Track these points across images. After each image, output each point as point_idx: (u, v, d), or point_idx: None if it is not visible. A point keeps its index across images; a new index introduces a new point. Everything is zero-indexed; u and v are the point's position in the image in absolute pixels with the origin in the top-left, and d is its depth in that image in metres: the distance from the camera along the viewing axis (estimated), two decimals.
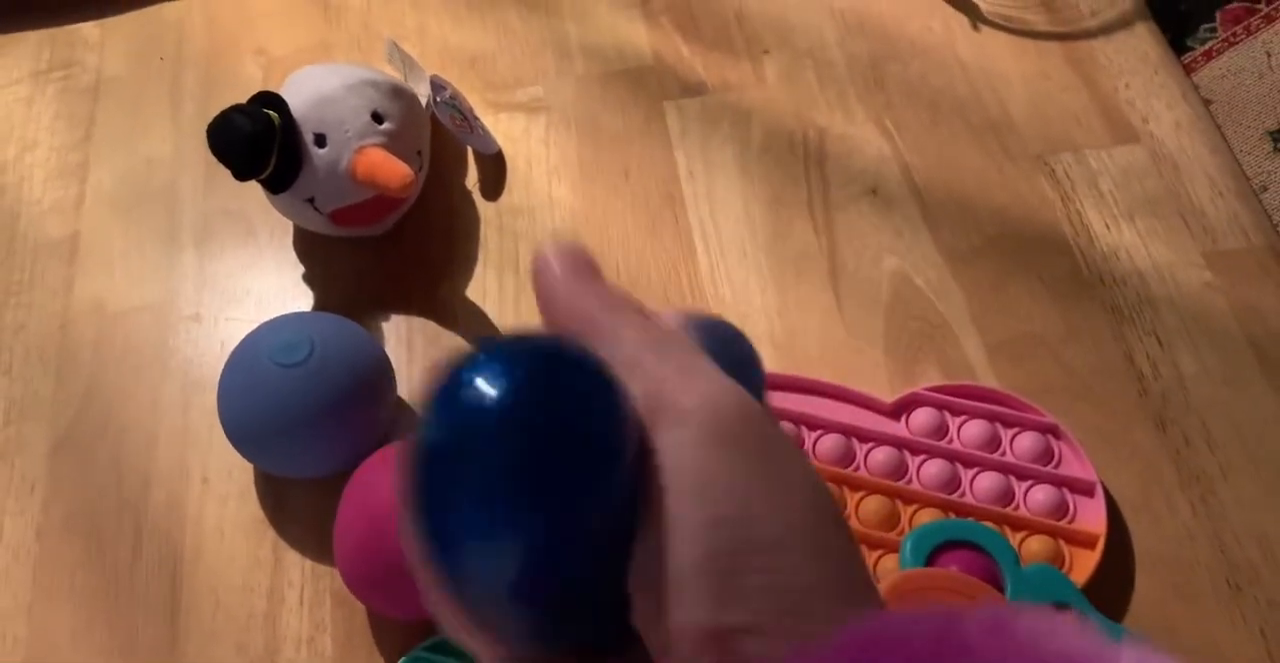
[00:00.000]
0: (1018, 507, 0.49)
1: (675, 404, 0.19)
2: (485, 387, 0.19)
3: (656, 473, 0.18)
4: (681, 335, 0.21)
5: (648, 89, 0.64)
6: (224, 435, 0.50)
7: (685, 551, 0.17)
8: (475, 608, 0.20)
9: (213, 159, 0.52)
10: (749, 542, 0.17)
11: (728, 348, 0.23)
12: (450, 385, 0.20)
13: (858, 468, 0.50)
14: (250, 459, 0.52)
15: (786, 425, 0.51)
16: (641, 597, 0.18)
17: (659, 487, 0.18)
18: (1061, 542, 0.48)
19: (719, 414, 0.18)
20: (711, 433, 0.18)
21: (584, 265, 0.22)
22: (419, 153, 0.56)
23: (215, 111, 0.51)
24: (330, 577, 0.50)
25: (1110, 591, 0.47)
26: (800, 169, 0.60)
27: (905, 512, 0.49)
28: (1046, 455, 0.50)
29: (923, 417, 0.51)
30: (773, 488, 0.18)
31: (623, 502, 0.19)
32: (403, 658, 0.46)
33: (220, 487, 0.53)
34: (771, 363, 0.54)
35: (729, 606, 0.17)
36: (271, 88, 0.54)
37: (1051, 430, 0.50)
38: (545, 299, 0.22)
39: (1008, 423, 0.51)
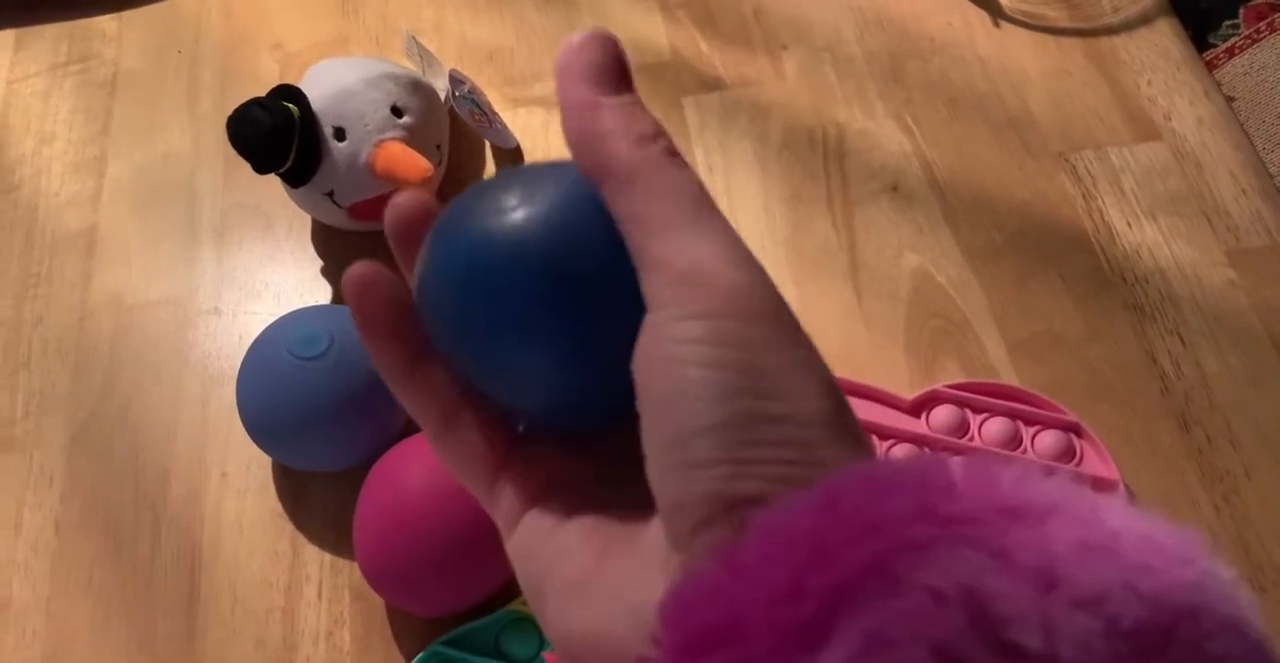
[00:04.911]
0: None
1: (697, 274, 0.18)
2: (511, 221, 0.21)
3: (665, 341, 0.19)
4: (703, 190, 0.20)
5: (666, 84, 0.64)
6: (242, 429, 0.50)
7: (694, 419, 0.18)
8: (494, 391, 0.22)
9: (230, 153, 0.52)
10: (756, 414, 0.18)
11: None
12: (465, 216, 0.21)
13: None
14: (269, 453, 0.52)
15: None
16: (659, 471, 0.19)
17: (670, 355, 0.18)
18: None
19: (738, 290, 0.18)
20: (728, 306, 0.18)
21: (611, 70, 0.20)
22: (438, 147, 0.56)
23: (232, 106, 0.51)
24: (348, 571, 0.50)
25: None
26: (820, 165, 0.60)
27: None
28: (1068, 454, 0.50)
29: (943, 414, 0.51)
30: (780, 362, 0.18)
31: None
32: (421, 653, 0.46)
33: (239, 481, 0.53)
34: None
35: (741, 475, 0.17)
36: (289, 82, 0.53)
37: (1073, 429, 0.50)
38: (567, 113, 0.21)
39: (1029, 421, 0.51)
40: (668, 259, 0.19)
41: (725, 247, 0.19)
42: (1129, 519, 0.16)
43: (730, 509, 0.17)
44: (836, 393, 0.19)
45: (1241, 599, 0.16)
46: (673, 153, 0.20)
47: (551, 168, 0.22)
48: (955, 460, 0.17)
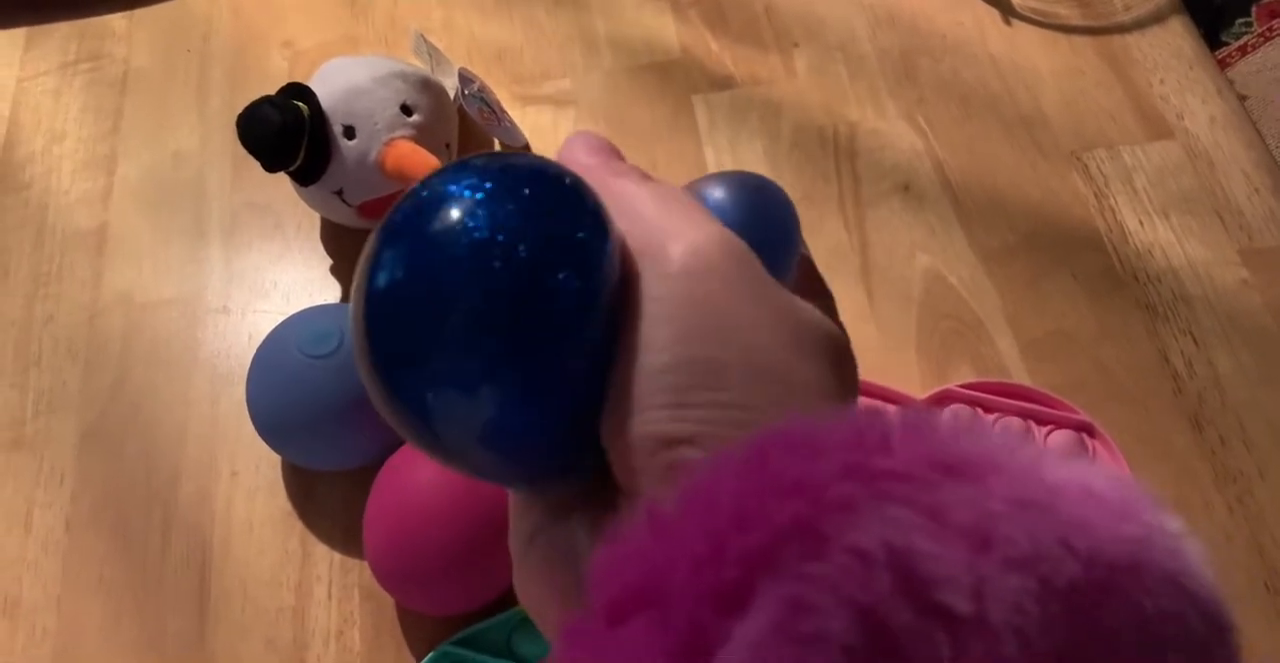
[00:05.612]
0: None
1: (662, 245, 0.19)
2: (451, 212, 0.18)
3: (636, 302, 0.19)
4: (682, 191, 0.22)
5: (676, 83, 0.64)
6: (252, 428, 0.50)
7: (647, 366, 0.18)
8: (448, 452, 0.19)
9: (239, 152, 0.52)
10: (703, 360, 0.18)
11: (756, 196, 0.23)
12: (411, 209, 0.19)
13: None
14: (279, 451, 0.51)
15: None
16: (610, 416, 0.19)
17: (636, 314, 0.19)
18: None
19: (699, 251, 0.19)
20: (688, 266, 0.19)
21: (605, 147, 0.23)
22: (447, 146, 0.56)
23: (242, 104, 0.51)
24: (359, 570, 0.50)
25: None
26: (831, 164, 0.60)
27: None
28: (1080, 454, 0.49)
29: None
30: (738, 317, 0.19)
31: (601, 336, 0.19)
32: (431, 653, 0.46)
33: (249, 480, 0.53)
34: None
35: (679, 418, 0.18)
36: (298, 80, 0.53)
37: (1086, 429, 0.50)
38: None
39: (1041, 421, 0.50)
40: (650, 241, 0.20)
41: (700, 221, 0.20)
42: (1072, 473, 0.16)
43: (668, 449, 0.18)
44: (809, 350, 0.19)
45: (1188, 552, 0.15)
46: (646, 176, 0.22)
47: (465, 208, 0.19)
48: (894, 413, 0.16)
